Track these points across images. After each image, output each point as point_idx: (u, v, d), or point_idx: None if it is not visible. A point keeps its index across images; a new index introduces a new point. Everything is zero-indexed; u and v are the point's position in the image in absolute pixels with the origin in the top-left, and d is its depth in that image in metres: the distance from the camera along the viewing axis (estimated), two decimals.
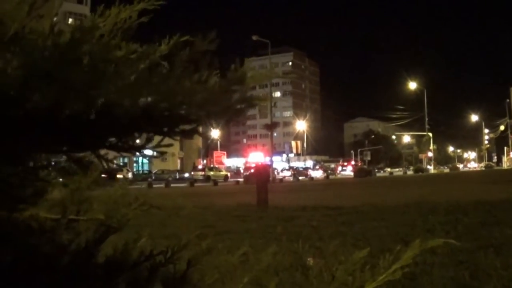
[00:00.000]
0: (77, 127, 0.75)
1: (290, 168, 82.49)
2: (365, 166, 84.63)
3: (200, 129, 0.82)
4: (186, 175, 64.86)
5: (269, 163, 55.40)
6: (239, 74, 0.80)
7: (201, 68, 0.79)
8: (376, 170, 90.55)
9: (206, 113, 0.77)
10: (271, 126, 58.97)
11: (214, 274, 1.36)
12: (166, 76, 0.76)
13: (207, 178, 58.82)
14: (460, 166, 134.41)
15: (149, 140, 0.82)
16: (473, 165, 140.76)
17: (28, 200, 1.08)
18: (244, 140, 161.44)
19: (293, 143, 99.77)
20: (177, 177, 61.37)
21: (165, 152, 0.89)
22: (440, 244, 1.01)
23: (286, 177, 67.07)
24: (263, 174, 15.91)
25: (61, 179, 1.15)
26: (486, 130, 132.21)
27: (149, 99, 0.75)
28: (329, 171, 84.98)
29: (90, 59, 0.74)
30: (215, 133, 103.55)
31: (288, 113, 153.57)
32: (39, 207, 1.16)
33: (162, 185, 39.27)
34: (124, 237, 1.26)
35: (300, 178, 66.14)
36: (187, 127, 0.80)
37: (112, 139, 0.78)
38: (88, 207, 1.16)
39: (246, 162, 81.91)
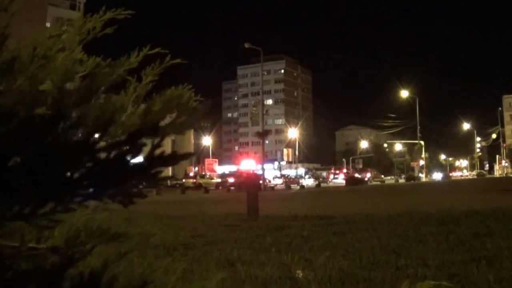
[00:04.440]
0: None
1: (282, 176, 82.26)
2: (357, 174, 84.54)
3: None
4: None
5: (260, 170, 55.29)
6: None
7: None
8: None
9: None
10: (263, 134, 58.78)
11: None
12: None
13: (198, 186, 58.79)
14: (459, 174, 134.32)
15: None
16: (460, 174, 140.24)
17: None
18: (236, 148, 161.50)
19: (285, 151, 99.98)
20: (168, 184, 61.15)
21: None
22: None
23: (278, 185, 66.88)
24: (254, 183, 15.79)
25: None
26: (478, 138, 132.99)
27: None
28: (320, 179, 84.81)
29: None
30: (207, 141, 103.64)
31: (280, 121, 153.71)
32: None
33: (153, 192, 39.07)
34: (92, 262, 1.17)
35: (292, 186, 66.02)
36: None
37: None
38: (50, 234, 1.06)
39: (238, 170, 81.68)
